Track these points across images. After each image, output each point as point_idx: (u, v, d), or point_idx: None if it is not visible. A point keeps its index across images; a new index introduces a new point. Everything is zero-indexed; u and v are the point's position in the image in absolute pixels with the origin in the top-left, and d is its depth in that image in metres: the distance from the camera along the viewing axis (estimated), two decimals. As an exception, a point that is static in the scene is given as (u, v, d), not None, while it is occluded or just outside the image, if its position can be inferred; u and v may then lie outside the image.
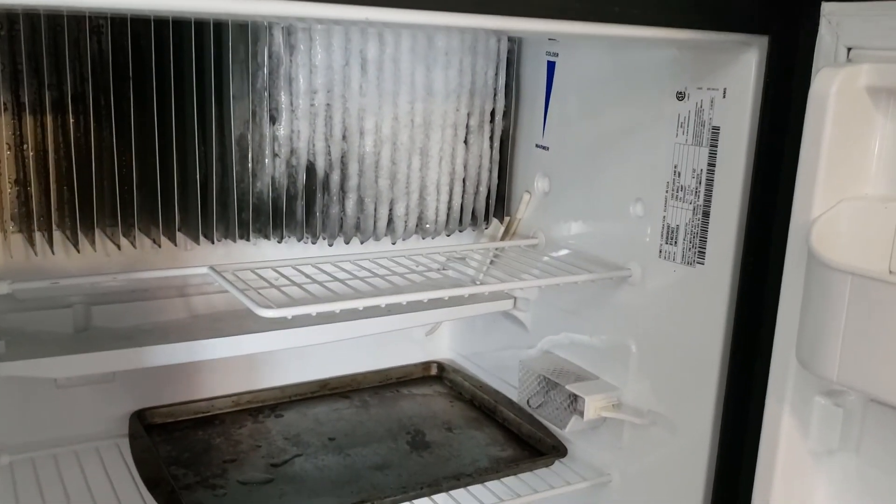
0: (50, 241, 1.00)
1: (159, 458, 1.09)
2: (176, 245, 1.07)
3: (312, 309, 0.90)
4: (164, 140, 1.02)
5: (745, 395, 0.91)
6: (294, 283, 1.00)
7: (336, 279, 1.05)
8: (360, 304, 0.94)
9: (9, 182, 0.99)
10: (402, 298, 0.96)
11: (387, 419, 1.26)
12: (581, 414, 1.08)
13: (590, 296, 1.14)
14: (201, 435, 1.19)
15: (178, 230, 1.08)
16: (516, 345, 1.30)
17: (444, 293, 1.00)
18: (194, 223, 1.05)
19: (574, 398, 1.10)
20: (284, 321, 0.89)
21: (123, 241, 1.03)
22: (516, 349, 1.29)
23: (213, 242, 1.07)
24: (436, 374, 1.44)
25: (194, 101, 1.01)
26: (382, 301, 0.95)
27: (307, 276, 1.04)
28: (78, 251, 1.01)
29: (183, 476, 1.06)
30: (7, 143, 0.98)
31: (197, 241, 1.06)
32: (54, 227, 0.98)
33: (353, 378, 1.37)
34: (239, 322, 1.11)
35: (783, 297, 0.84)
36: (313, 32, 1.05)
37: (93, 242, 1.02)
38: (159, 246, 1.06)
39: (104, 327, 1.13)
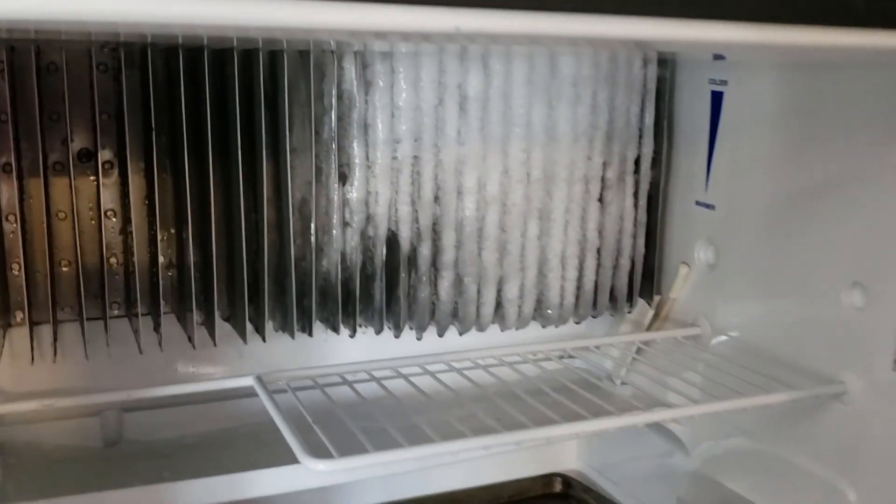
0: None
1: None
2: (216, 345, 0.81)
3: (382, 458, 0.63)
4: (201, 206, 0.78)
5: None
6: (362, 398, 0.73)
7: (421, 390, 0.77)
8: (449, 448, 0.66)
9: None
10: (514, 438, 0.68)
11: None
12: None
13: (777, 412, 0.82)
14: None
15: (226, 320, 0.84)
16: (667, 461, 0.98)
17: (572, 429, 0.71)
18: (241, 313, 0.80)
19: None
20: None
21: (147, 337, 0.79)
22: (667, 466, 0.97)
23: (264, 340, 0.81)
24: (560, 492, 1.14)
25: (239, 155, 0.77)
26: (483, 442, 0.66)
27: (384, 387, 0.77)
28: (87, 357, 0.78)
29: None
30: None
31: (244, 336, 0.81)
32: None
33: (453, 497, 1.08)
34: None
35: None
36: (395, 62, 0.79)
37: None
38: (193, 346, 0.81)
39: (138, 441, 0.90)
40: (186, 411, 0.90)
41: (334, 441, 0.65)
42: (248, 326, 0.82)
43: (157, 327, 0.82)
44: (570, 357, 0.93)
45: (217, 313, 0.81)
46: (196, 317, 0.82)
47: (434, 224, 0.84)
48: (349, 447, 0.64)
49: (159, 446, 0.89)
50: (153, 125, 0.75)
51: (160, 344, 0.80)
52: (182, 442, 0.89)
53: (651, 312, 0.98)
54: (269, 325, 0.83)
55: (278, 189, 0.80)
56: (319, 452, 0.63)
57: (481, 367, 0.84)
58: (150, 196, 0.80)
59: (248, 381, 0.76)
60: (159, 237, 0.80)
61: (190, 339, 0.81)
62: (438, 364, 0.83)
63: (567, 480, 1.14)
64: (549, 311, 0.91)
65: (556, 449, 1.15)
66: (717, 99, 0.90)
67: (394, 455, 0.64)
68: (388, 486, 1.03)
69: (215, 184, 0.77)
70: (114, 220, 0.83)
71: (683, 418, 0.93)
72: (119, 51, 0.77)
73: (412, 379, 0.80)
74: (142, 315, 0.81)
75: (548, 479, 1.14)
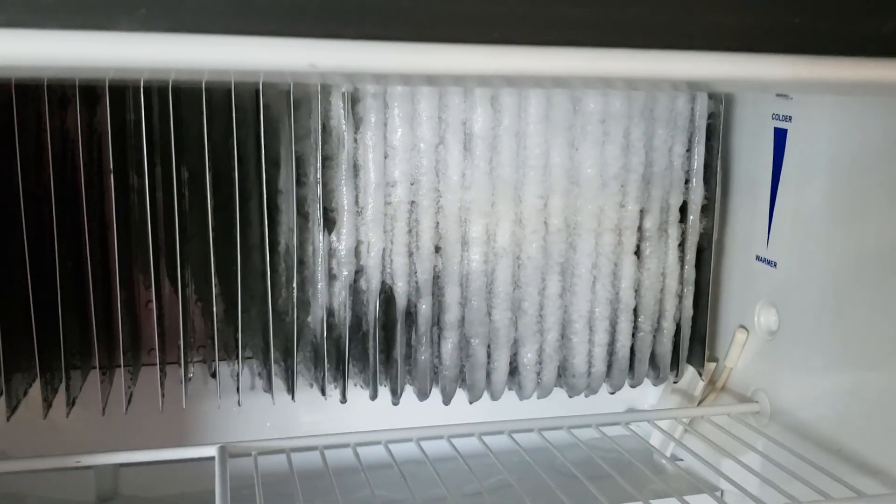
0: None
1: None
2: (185, 406, 0.74)
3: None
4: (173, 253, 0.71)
5: None
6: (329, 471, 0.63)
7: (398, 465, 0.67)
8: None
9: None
10: None
11: None
12: None
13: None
14: None
15: (212, 376, 0.77)
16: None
17: None
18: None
19: None
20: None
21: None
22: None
23: (238, 403, 0.73)
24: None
25: (208, 195, 0.70)
26: None
27: (364, 467, 0.68)
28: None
29: None
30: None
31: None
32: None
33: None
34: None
35: None
36: (389, 97, 0.70)
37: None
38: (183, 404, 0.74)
39: (133, 496, 0.84)
40: (187, 468, 0.84)
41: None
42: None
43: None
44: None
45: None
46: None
47: (435, 278, 0.75)
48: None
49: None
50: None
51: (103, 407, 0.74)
52: (181, 501, 0.83)
53: (702, 383, 0.84)
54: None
55: (251, 235, 0.73)
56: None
57: (509, 434, 0.74)
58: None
59: (210, 452, 0.69)
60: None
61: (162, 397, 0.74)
62: (438, 436, 0.74)
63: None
64: (575, 379, 0.79)
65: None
66: (780, 137, 0.76)
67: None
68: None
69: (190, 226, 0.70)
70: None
71: (730, 494, 0.79)
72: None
73: (416, 450, 0.70)
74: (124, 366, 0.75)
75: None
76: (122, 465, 0.83)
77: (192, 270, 0.78)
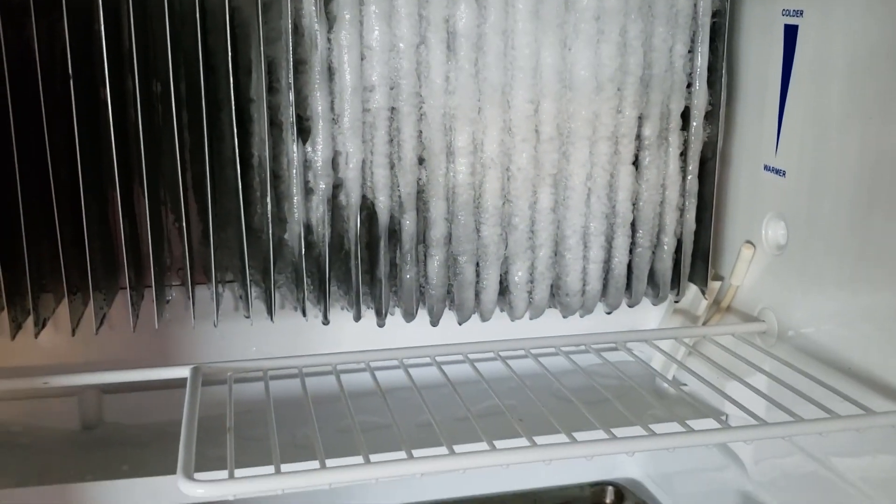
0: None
1: None
2: (157, 327, 0.71)
3: (284, 483, 0.50)
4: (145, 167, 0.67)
5: None
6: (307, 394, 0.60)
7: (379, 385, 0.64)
8: (392, 471, 0.52)
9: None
10: (506, 460, 0.54)
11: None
12: None
13: (859, 440, 0.63)
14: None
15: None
16: (729, 477, 0.81)
17: (599, 447, 0.56)
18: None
19: None
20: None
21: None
22: (729, 483, 0.80)
23: (215, 325, 0.70)
24: (611, 504, 0.98)
25: (174, 104, 0.66)
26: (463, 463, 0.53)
27: (347, 391, 0.64)
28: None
29: None
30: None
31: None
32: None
33: (485, 502, 0.94)
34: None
35: None
36: (365, -8, 0.65)
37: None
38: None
39: (117, 423, 0.81)
40: (173, 395, 0.81)
41: (246, 453, 0.54)
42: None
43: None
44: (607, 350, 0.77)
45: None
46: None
47: (420, 192, 0.70)
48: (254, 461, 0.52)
49: (139, 433, 0.80)
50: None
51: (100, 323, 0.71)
52: (166, 430, 0.80)
53: (706, 302, 0.80)
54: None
55: (234, 149, 0.68)
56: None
57: (500, 358, 0.71)
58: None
59: (183, 373, 0.66)
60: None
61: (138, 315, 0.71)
62: (423, 357, 0.70)
63: (620, 491, 0.98)
64: (569, 298, 0.75)
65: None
66: (790, 34, 0.70)
67: (308, 479, 0.51)
68: (412, 484, 0.91)
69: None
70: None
71: (735, 419, 0.76)
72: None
73: (402, 376, 0.67)
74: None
75: (598, 488, 0.99)
76: (105, 392, 0.81)
77: (166, 188, 0.74)
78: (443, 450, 0.54)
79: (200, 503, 0.56)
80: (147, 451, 0.76)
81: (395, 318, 0.75)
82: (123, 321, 0.72)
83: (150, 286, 0.69)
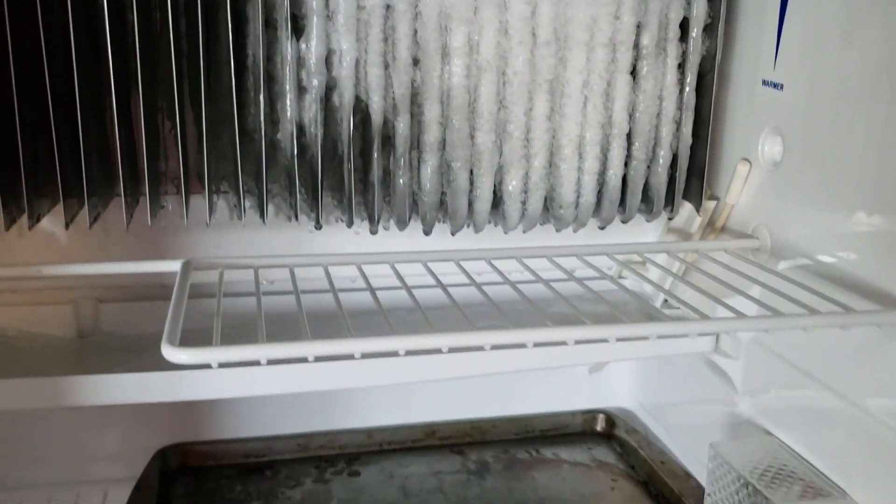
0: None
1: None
2: (150, 224, 0.71)
3: (267, 352, 0.50)
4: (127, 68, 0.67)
5: None
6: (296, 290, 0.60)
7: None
8: (374, 345, 0.52)
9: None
10: (489, 340, 0.54)
11: (508, 498, 0.84)
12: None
13: (848, 347, 0.63)
14: (238, 491, 0.85)
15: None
16: (720, 408, 0.81)
17: (602, 332, 0.56)
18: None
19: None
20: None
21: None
22: (721, 406, 0.80)
23: (207, 224, 0.70)
24: (602, 432, 0.99)
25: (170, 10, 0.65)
26: (437, 342, 0.53)
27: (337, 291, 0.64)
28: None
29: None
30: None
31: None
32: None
33: (476, 426, 0.96)
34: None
35: None
36: None
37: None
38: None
39: (113, 332, 0.82)
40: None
41: (235, 333, 0.54)
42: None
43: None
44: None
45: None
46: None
47: (414, 95, 0.70)
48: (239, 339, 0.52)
49: (136, 339, 0.80)
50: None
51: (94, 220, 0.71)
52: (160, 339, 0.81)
53: (699, 220, 0.79)
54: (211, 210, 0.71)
55: (229, 50, 0.68)
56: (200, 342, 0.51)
57: (492, 265, 0.70)
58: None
59: (174, 267, 0.66)
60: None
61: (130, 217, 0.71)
62: (415, 263, 0.70)
63: (611, 418, 0.98)
64: (562, 210, 0.75)
65: (602, 379, 0.99)
66: (792, -59, 0.69)
67: (290, 349, 0.52)
68: (403, 402, 0.92)
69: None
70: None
71: (726, 339, 0.76)
72: None
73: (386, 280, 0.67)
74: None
75: (590, 415, 0.99)
76: (101, 301, 0.81)
77: (163, 95, 0.73)
78: (429, 332, 0.54)
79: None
80: (141, 357, 0.76)
81: (388, 234, 0.75)
82: (118, 224, 0.72)
83: (145, 194, 0.69)
